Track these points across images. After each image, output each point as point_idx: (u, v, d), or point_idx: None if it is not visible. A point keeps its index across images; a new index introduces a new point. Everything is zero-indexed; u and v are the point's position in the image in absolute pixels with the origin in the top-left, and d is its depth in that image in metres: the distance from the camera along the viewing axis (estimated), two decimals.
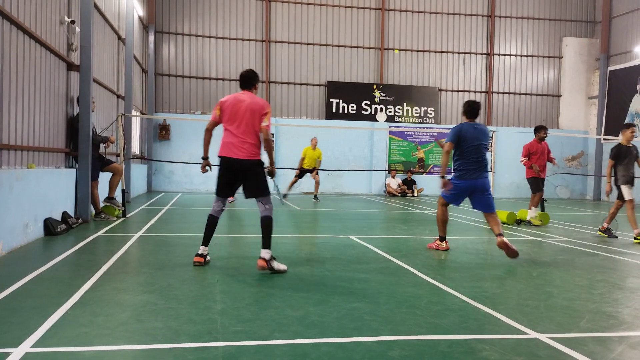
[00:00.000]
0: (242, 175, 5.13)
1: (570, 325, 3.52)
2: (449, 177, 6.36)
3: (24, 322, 3.22)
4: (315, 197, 14.82)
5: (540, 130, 9.63)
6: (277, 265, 4.94)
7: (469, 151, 6.23)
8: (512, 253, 5.86)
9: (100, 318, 3.36)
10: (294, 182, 14.46)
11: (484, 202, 6.28)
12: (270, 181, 5.26)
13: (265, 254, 4.91)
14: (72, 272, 4.78)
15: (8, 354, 2.71)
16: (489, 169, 10.79)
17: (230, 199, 5.77)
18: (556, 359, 2.87)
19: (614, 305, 4.06)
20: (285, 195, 14.01)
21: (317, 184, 14.79)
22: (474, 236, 7.89)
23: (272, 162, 5.34)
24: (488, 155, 15.60)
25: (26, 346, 2.84)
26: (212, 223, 5.24)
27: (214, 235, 5.25)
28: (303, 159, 14.41)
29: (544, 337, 3.22)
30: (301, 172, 14.43)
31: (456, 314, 3.69)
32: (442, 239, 6.54)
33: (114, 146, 11.76)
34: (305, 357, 2.80)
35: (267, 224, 5.05)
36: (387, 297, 4.13)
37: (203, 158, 5.34)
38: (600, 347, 3.10)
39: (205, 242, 5.23)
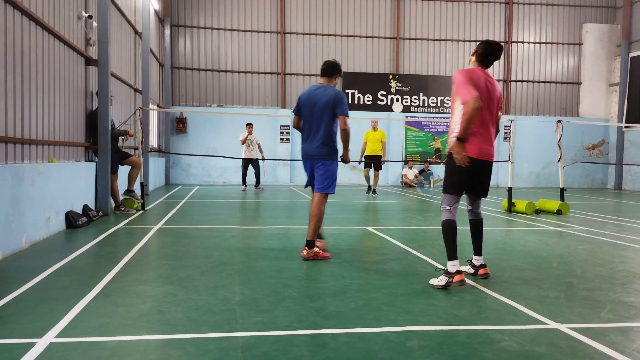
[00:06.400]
0: None
1: (591, 315, 3.48)
2: None
3: (48, 313, 3.29)
4: (374, 191, 13.76)
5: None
6: None
7: None
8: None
9: (121, 309, 3.42)
10: (367, 175, 13.97)
11: None
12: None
13: None
14: (93, 264, 4.86)
15: (33, 344, 2.77)
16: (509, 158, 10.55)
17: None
18: (577, 350, 2.85)
19: (636, 296, 4.00)
20: (374, 191, 13.65)
21: (376, 177, 13.82)
22: (492, 226, 7.82)
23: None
24: (507, 144, 15.44)
25: (50, 336, 2.90)
26: None
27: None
28: (365, 143, 13.64)
29: (564, 328, 3.19)
30: (367, 162, 13.65)
31: (475, 305, 3.67)
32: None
33: (132, 140, 11.88)
34: (323, 347, 2.82)
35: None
36: (405, 287, 4.13)
37: None
38: (622, 337, 3.06)
39: None
